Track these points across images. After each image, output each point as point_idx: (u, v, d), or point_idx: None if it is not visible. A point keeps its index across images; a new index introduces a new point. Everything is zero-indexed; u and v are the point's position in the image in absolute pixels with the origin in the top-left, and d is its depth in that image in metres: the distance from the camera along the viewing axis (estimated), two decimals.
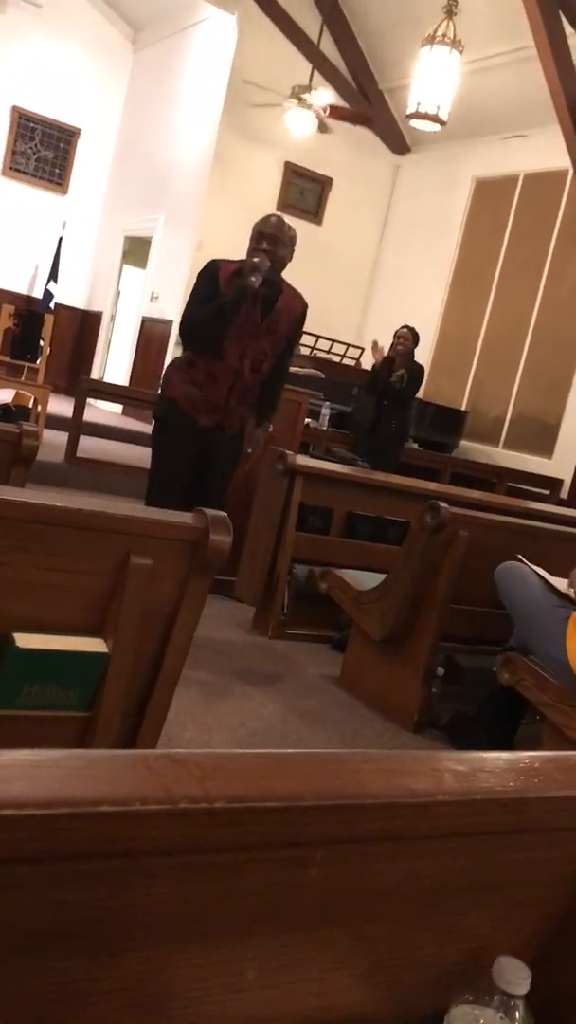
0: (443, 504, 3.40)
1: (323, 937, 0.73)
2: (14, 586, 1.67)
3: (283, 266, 3.46)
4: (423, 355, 8.33)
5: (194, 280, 3.51)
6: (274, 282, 3.42)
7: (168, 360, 9.15)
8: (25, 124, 10.77)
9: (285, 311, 3.49)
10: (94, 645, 1.76)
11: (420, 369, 7.06)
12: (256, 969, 0.71)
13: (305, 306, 3.59)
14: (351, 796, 0.68)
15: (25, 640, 1.67)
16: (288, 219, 3.67)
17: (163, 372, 3.73)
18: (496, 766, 0.77)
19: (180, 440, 3.52)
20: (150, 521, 1.77)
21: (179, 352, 3.69)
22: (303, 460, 4.41)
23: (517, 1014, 0.76)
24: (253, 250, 3.38)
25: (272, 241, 3.37)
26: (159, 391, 3.70)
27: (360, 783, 0.70)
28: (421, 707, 3.51)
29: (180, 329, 3.51)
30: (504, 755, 0.80)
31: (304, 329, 3.90)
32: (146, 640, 1.83)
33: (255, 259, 3.25)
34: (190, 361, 3.51)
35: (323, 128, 8.53)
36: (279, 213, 3.67)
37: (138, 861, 0.61)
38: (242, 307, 3.34)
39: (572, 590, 2.88)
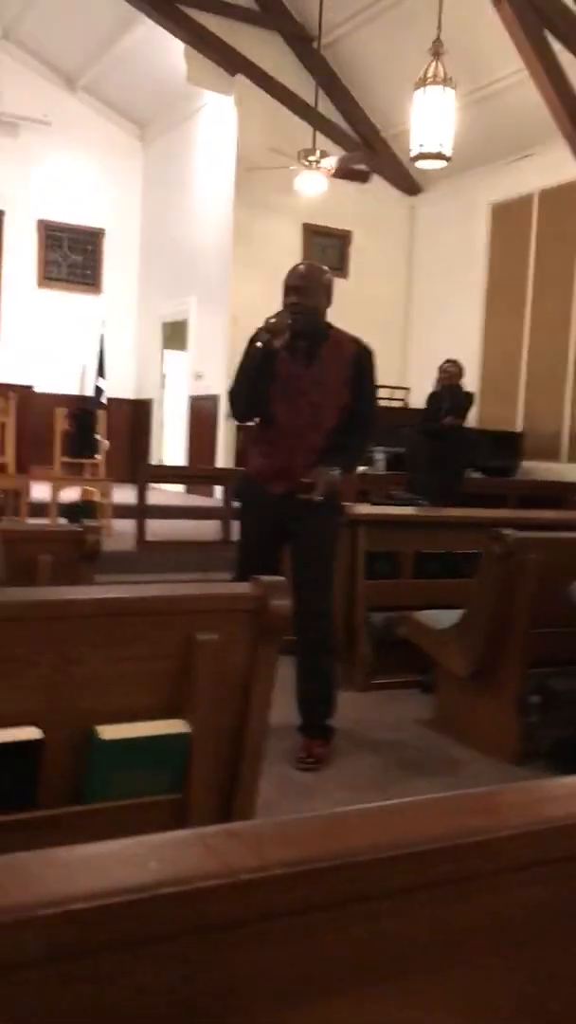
0: (507, 531, 3.38)
1: (411, 988, 0.73)
2: (90, 681, 1.72)
3: (318, 312, 3.25)
4: (469, 384, 8.32)
5: (235, 352, 3.42)
6: (313, 332, 3.24)
7: (220, 433, 9.34)
8: (52, 234, 11.23)
9: (333, 359, 3.27)
10: (175, 726, 1.78)
11: (469, 396, 7.07)
12: None
13: (361, 348, 3.34)
14: (410, 844, 0.69)
15: (107, 732, 1.71)
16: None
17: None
18: (558, 792, 0.77)
19: (256, 513, 3.39)
20: (209, 596, 1.81)
21: (229, 426, 3.65)
22: (362, 509, 4.43)
23: None
24: (283, 306, 3.25)
25: (297, 292, 3.21)
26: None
27: (418, 830, 0.71)
28: (520, 738, 3.44)
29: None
30: (566, 780, 0.80)
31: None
32: (225, 713, 1.85)
33: (271, 319, 3.13)
34: (257, 432, 3.41)
35: (365, 177, 8.67)
36: (308, 261, 3.49)
37: (209, 937, 0.63)
38: (280, 365, 3.19)
39: None
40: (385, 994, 0.72)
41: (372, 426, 3.47)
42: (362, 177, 8.78)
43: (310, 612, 3.23)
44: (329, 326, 3.34)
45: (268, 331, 3.11)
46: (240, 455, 8.15)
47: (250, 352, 3.23)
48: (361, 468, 6.72)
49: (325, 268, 3.40)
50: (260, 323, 3.27)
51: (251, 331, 3.32)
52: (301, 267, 3.35)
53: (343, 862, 0.66)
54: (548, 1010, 0.77)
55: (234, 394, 3.31)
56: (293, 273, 3.29)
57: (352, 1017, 0.70)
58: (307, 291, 3.22)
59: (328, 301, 3.31)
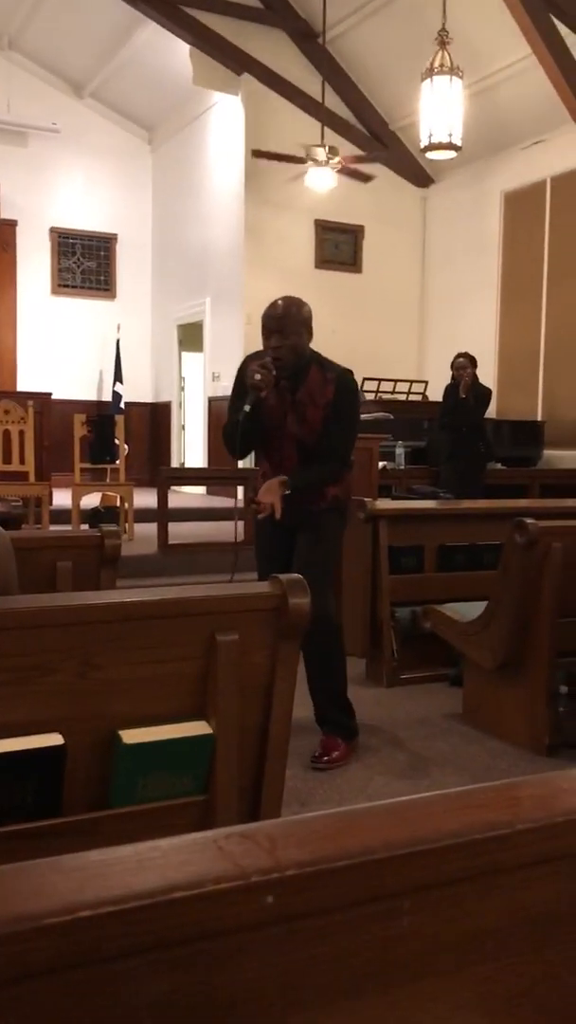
0: (529, 520, 3.35)
1: (434, 986, 0.72)
2: (112, 686, 1.72)
3: (300, 351, 3.20)
4: (487, 374, 8.27)
5: (251, 352, 3.36)
6: (298, 370, 3.21)
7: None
8: (65, 241, 11.27)
9: (313, 398, 3.23)
10: (198, 728, 1.78)
11: (487, 391, 7.03)
12: None
13: (340, 384, 3.25)
14: (425, 840, 0.68)
15: (131, 736, 1.71)
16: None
17: None
18: None
19: (266, 535, 3.38)
20: (228, 597, 1.80)
21: None
22: (383, 504, 4.41)
23: None
24: (264, 349, 3.22)
25: (279, 333, 3.16)
26: None
27: (434, 825, 0.69)
28: (550, 729, 3.42)
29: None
30: None
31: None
32: (248, 714, 1.85)
33: (256, 376, 3.10)
34: (263, 463, 3.44)
35: (367, 178, 8.67)
36: (285, 296, 3.27)
37: (223, 940, 0.62)
38: (265, 410, 3.20)
39: None
40: (405, 995, 0.71)
41: (337, 463, 3.33)
42: (363, 178, 8.73)
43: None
44: (312, 358, 3.27)
45: (255, 387, 3.11)
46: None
47: (238, 386, 3.24)
48: (381, 464, 6.70)
49: (303, 301, 3.27)
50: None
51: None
52: (279, 304, 3.22)
53: (357, 861, 0.65)
54: (573, 1012, 0.76)
55: (228, 437, 3.29)
56: (271, 313, 3.20)
57: (372, 1019, 0.69)
58: (286, 331, 3.16)
59: (309, 335, 3.24)
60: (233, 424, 3.23)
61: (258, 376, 3.12)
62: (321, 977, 0.66)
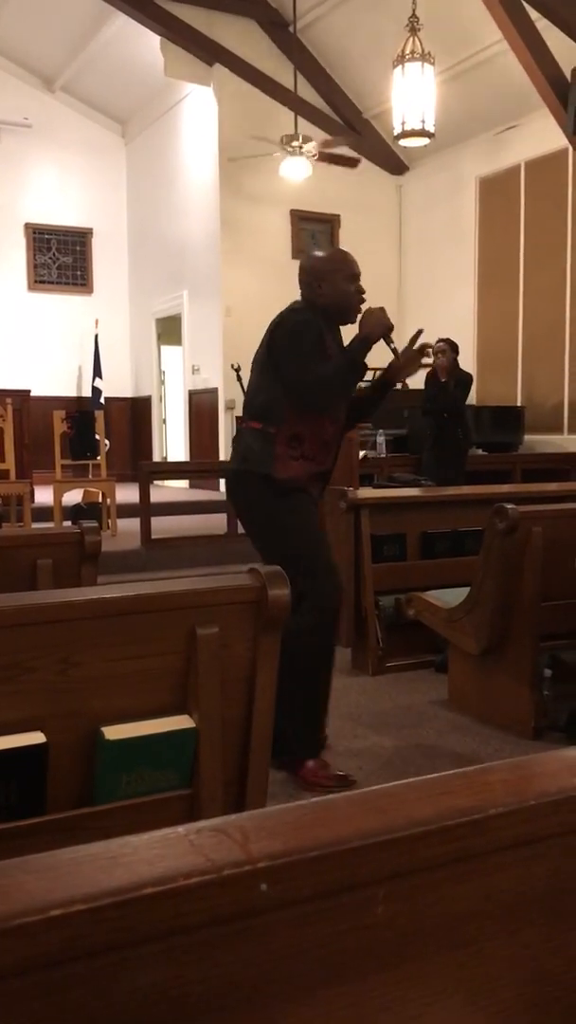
0: (510, 505, 3.36)
1: (413, 972, 0.72)
2: (93, 682, 1.72)
3: None
4: (467, 361, 8.28)
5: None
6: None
7: (221, 426, 9.29)
8: (40, 237, 11.21)
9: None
10: (181, 722, 1.78)
11: (468, 377, 7.04)
12: (351, 1018, 0.70)
13: None
14: (398, 828, 0.68)
15: (113, 732, 1.71)
16: None
17: (244, 447, 3.05)
18: (549, 767, 0.76)
19: (308, 510, 3.05)
20: (207, 591, 1.80)
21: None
22: (364, 492, 4.41)
23: None
24: (354, 291, 3.17)
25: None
26: (256, 470, 2.99)
27: (406, 813, 0.70)
28: (536, 712, 3.43)
29: (303, 391, 2.94)
30: (558, 754, 0.79)
31: None
32: (231, 707, 1.84)
33: (389, 323, 3.11)
34: (294, 435, 2.98)
35: (354, 163, 8.64)
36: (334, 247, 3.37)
37: (197, 935, 0.62)
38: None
39: None
40: (384, 982, 0.71)
41: None
42: (351, 163, 8.72)
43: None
44: None
45: (391, 330, 3.12)
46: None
47: (319, 341, 3.04)
48: (362, 453, 6.71)
49: None
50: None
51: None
52: (350, 254, 3.23)
53: (329, 851, 0.65)
54: (552, 991, 0.76)
55: (328, 384, 3.01)
56: (355, 260, 3.18)
57: (350, 1009, 0.69)
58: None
59: None
60: (341, 370, 3.04)
61: (389, 323, 3.11)
62: (298, 968, 0.66)
